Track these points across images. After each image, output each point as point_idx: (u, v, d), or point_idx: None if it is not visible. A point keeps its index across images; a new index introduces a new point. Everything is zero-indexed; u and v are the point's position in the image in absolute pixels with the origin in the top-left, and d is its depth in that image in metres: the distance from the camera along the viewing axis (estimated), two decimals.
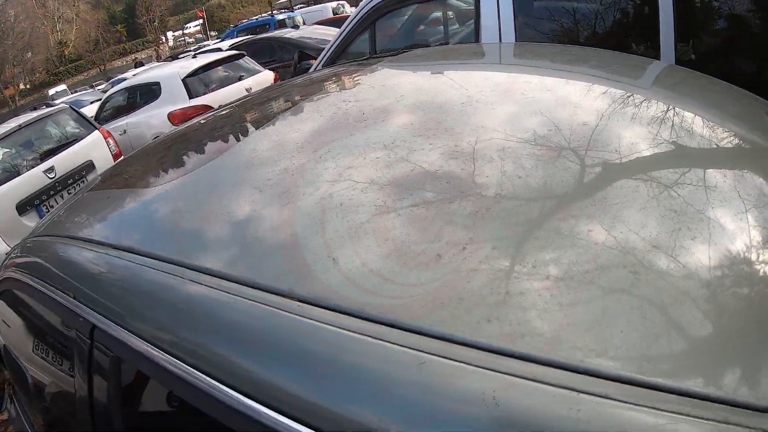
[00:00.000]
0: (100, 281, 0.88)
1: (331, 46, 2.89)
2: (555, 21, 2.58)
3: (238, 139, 1.13)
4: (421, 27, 3.10)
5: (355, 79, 1.41)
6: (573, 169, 0.75)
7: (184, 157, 1.22)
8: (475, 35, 2.56)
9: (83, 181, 4.47)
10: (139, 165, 1.34)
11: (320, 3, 21.20)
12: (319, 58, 2.96)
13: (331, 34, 9.62)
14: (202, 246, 0.78)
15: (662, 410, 0.44)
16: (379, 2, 2.61)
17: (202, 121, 1.48)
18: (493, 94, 1.06)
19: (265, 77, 6.65)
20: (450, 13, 3.10)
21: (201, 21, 44.47)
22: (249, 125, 1.26)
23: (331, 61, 2.84)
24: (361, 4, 2.73)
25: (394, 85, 1.25)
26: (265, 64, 7.28)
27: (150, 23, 47.18)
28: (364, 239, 0.66)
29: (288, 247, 0.71)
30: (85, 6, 48.88)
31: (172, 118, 5.71)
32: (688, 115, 0.94)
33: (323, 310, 0.58)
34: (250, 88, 6.26)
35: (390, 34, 3.01)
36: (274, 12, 23.26)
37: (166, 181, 1.06)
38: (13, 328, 1.38)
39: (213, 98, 5.87)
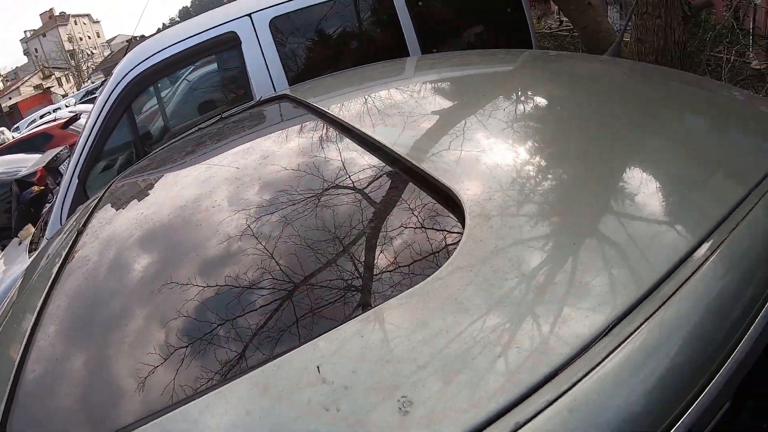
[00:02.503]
0: None
1: (83, 148, 2.37)
2: (316, 52, 2.64)
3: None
4: (184, 96, 2.80)
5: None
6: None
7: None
8: (248, 84, 2.44)
9: None
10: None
11: None
12: (71, 165, 2.40)
13: (8, 160, 8.10)
14: None
15: None
16: (132, 79, 2.25)
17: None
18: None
19: None
20: (214, 72, 2.86)
21: None
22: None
23: (93, 162, 2.35)
24: (108, 86, 2.31)
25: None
26: None
27: None
28: None
29: None
30: None
31: None
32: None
33: None
34: None
35: (155, 112, 2.64)
36: None
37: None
38: None
39: None
